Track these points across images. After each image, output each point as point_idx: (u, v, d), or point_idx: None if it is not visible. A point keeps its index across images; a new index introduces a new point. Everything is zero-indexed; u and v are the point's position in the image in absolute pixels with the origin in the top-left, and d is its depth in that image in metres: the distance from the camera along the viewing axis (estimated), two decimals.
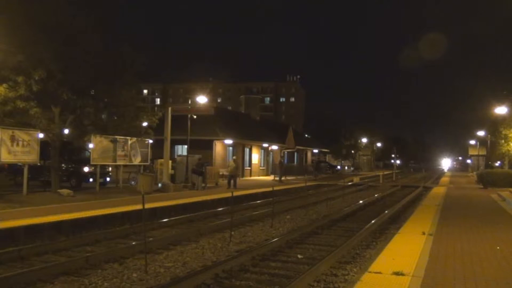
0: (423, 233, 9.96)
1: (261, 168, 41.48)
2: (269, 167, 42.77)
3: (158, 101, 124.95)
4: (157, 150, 23.79)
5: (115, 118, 19.50)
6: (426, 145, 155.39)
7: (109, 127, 18.79)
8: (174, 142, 25.96)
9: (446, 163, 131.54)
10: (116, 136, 19.53)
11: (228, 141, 33.23)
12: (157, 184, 21.76)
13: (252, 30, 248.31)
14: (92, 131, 18.24)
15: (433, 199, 19.32)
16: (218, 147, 32.75)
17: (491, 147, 39.61)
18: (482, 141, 47.96)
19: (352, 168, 70.53)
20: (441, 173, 76.91)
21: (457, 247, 8.66)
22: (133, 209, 13.27)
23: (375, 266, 7.00)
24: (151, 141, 22.40)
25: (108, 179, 22.33)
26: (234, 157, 28.73)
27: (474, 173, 46.83)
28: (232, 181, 24.01)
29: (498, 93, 30.82)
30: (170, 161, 22.84)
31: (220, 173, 28.51)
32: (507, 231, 10.83)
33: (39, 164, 17.73)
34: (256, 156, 40.14)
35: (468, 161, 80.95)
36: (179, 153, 31.00)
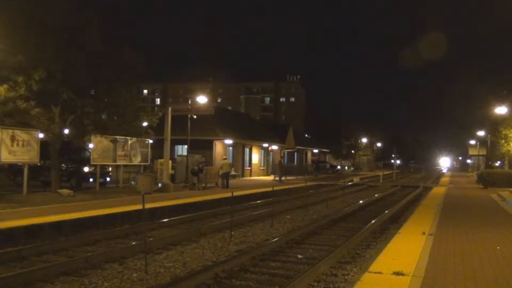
0: (423, 233, 9.95)
1: (261, 168, 41.50)
2: (269, 167, 42.78)
3: (158, 101, 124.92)
4: (157, 150, 23.81)
5: (115, 118, 19.51)
6: (426, 145, 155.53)
7: (109, 127, 18.80)
8: (174, 142, 25.96)
9: (445, 162, 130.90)
10: (116, 136, 19.55)
11: (228, 141, 33.24)
12: (157, 184, 21.76)
13: (252, 30, 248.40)
14: (92, 131, 18.25)
15: (433, 199, 19.31)
16: (218, 147, 32.76)
17: (491, 147, 39.64)
18: (482, 141, 47.95)
19: (352, 168, 70.52)
20: (440, 173, 76.76)
21: (457, 247, 8.66)
22: (133, 209, 13.27)
23: (375, 266, 7.00)
24: (151, 141, 22.41)
25: (108, 179, 22.34)
26: (225, 157, 28.70)
27: (474, 173, 46.85)
28: (225, 181, 24.14)
29: (498, 93, 30.83)
30: (170, 161, 22.85)
31: (220, 173, 28.49)
32: (507, 231, 10.83)
33: (39, 164, 17.74)
34: (256, 156, 40.15)
35: (468, 161, 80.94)
36: (179, 153, 30.99)
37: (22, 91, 15.42)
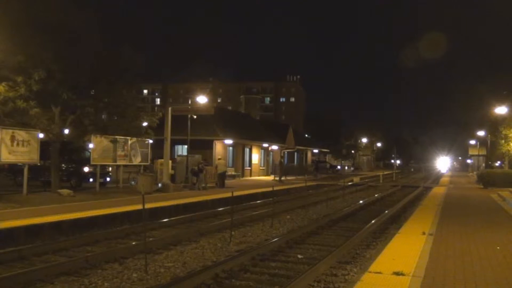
0: (423, 233, 9.95)
1: (261, 168, 41.48)
2: (269, 167, 42.76)
3: (158, 101, 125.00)
4: (157, 150, 23.79)
5: (115, 118, 19.49)
6: (426, 144, 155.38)
7: (109, 127, 18.78)
8: (174, 142, 25.95)
9: (444, 163, 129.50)
10: (116, 136, 19.52)
11: (228, 141, 33.23)
12: (157, 184, 21.75)
13: (252, 29, 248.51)
14: (92, 131, 18.23)
15: (433, 199, 19.31)
16: (218, 147, 32.75)
17: (491, 147, 39.60)
18: (482, 141, 47.90)
19: (352, 168, 70.57)
20: (440, 174, 76.69)
21: (457, 247, 8.66)
22: (133, 209, 13.27)
23: (375, 266, 7.00)
24: (151, 141, 22.39)
25: (108, 179, 22.33)
26: (219, 157, 28.64)
27: (474, 173, 46.84)
28: (221, 181, 24.19)
29: (498, 93, 30.83)
30: (170, 161, 22.84)
31: (218, 173, 28.43)
32: (507, 231, 10.82)
33: (39, 164, 17.73)
34: (256, 156, 40.14)
35: (468, 161, 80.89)
36: (179, 153, 30.98)
37: (22, 91, 15.40)
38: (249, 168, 38.87)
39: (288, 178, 36.00)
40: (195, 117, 24.89)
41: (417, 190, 27.96)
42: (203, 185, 22.41)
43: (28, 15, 15.04)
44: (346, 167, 67.10)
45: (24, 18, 14.88)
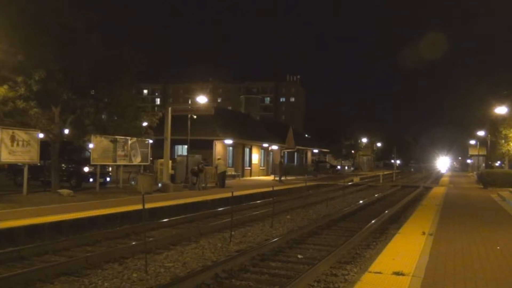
0: (423, 233, 9.95)
1: (261, 168, 41.49)
2: (269, 167, 42.77)
3: (158, 101, 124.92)
4: (157, 150, 23.81)
5: (115, 118, 19.49)
6: (426, 145, 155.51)
7: (109, 127, 18.79)
8: (174, 142, 25.95)
9: (444, 162, 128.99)
10: (116, 136, 19.53)
11: (228, 141, 33.24)
12: (157, 184, 21.75)
13: (252, 30, 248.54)
14: (92, 131, 18.25)
15: (433, 199, 19.32)
16: (218, 147, 32.76)
17: (491, 147, 39.62)
18: (482, 141, 47.90)
19: (352, 168, 70.54)
20: (439, 174, 76.68)
21: (457, 247, 8.66)
22: (133, 209, 13.27)
23: (375, 266, 7.00)
24: (151, 141, 22.41)
25: (108, 179, 22.33)
26: (219, 157, 28.60)
27: (474, 173, 46.84)
28: (221, 181, 24.20)
29: (498, 93, 30.86)
30: (170, 161, 22.84)
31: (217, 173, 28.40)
32: (507, 231, 10.83)
33: (39, 164, 17.73)
34: (256, 156, 40.14)
35: (468, 161, 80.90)
36: (179, 153, 30.99)
37: (22, 91, 15.42)
38: (249, 168, 38.88)
39: (288, 178, 36.00)
40: (195, 117, 24.89)
41: (417, 190, 27.95)
42: (203, 185, 22.41)
43: (28, 15, 15.05)
44: (346, 167, 67.05)
45: (24, 18, 14.89)
